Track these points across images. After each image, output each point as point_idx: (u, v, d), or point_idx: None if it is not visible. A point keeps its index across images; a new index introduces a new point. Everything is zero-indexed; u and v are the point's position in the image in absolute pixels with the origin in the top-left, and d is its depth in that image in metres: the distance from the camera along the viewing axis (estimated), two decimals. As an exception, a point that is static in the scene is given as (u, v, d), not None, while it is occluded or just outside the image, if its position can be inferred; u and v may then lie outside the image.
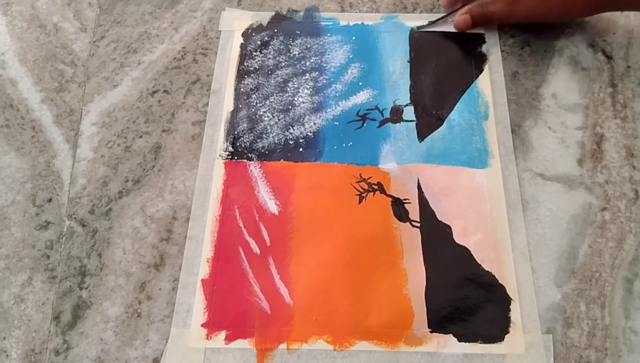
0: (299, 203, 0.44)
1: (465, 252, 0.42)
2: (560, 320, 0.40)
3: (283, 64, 0.51)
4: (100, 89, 0.50)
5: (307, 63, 0.51)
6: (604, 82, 0.49)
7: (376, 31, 0.52)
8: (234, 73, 0.50)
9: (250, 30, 0.53)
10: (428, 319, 0.40)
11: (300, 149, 0.47)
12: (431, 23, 0.52)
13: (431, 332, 0.39)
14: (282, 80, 0.50)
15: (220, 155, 0.47)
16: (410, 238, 0.43)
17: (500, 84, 0.49)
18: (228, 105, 0.49)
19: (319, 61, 0.51)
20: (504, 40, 0.51)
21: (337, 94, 0.49)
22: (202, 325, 0.40)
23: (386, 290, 0.41)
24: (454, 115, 0.48)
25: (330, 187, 0.45)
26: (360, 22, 0.53)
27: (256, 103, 0.49)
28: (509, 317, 0.40)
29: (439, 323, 0.40)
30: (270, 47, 0.52)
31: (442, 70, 0.50)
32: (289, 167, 0.46)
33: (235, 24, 0.53)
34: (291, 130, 0.48)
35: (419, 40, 0.52)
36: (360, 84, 0.50)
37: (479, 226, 0.43)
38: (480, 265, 0.42)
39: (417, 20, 0.52)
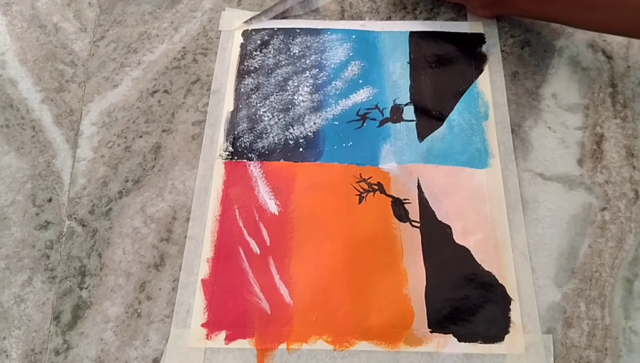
0: (299, 203, 0.44)
1: (465, 252, 0.42)
2: (560, 320, 0.40)
3: (283, 62, 0.51)
4: (100, 89, 0.50)
5: (307, 61, 0.51)
6: (604, 82, 0.49)
7: (376, 31, 0.52)
8: (234, 73, 0.50)
9: (250, 30, 0.53)
10: (428, 319, 0.40)
11: (300, 149, 0.47)
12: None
13: (431, 332, 0.39)
14: (282, 78, 0.50)
15: (220, 155, 0.47)
16: (410, 238, 0.43)
17: (500, 84, 0.49)
18: (228, 105, 0.49)
19: (319, 59, 0.51)
20: (504, 40, 0.51)
21: (337, 92, 0.49)
22: (202, 325, 0.40)
23: (386, 290, 0.41)
24: (454, 115, 0.48)
25: (330, 187, 0.45)
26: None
27: (256, 103, 0.49)
28: (509, 317, 0.40)
29: (439, 323, 0.40)
30: (270, 47, 0.52)
31: (442, 70, 0.50)
32: (289, 167, 0.46)
33: (235, 23, 0.53)
34: (291, 130, 0.48)
35: (418, 41, 0.52)
36: (360, 81, 0.50)
37: (479, 226, 0.43)
38: (480, 265, 0.42)
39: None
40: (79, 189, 0.46)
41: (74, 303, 0.41)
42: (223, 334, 0.40)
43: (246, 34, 0.53)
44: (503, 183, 0.44)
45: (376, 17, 0.53)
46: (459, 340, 0.39)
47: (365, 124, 0.48)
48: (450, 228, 0.43)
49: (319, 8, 0.54)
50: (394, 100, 0.49)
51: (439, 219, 0.43)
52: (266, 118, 0.48)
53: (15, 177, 0.47)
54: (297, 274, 0.42)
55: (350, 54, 0.51)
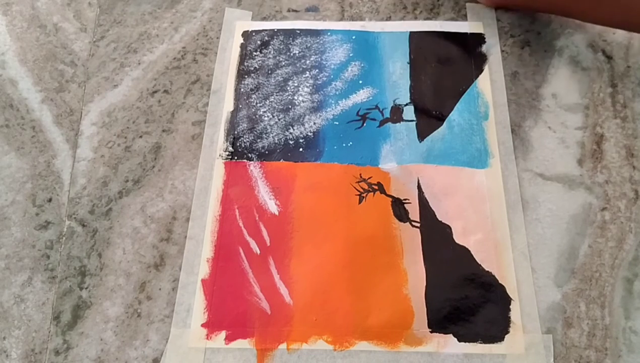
0: (299, 203, 0.44)
1: (465, 252, 0.42)
2: (560, 320, 0.40)
3: (283, 63, 0.51)
4: (100, 89, 0.50)
5: (307, 61, 0.51)
6: (604, 82, 0.49)
7: (376, 32, 0.52)
8: (234, 73, 0.50)
9: (250, 30, 0.53)
10: (428, 319, 0.40)
11: (300, 149, 0.47)
12: None
13: (431, 332, 0.39)
14: (282, 79, 0.50)
15: (220, 155, 0.47)
16: (410, 238, 0.43)
17: (500, 84, 0.49)
18: (228, 105, 0.49)
19: (319, 59, 0.51)
20: (504, 40, 0.51)
21: (337, 92, 0.49)
22: (202, 325, 0.40)
23: (386, 290, 0.41)
24: (454, 115, 0.48)
25: (330, 187, 0.45)
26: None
27: (256, 103, 0.49)
28: (509, 317, 0.40)
29: (439, 323, 0.40)
30: (270, 47, 0.52)
31: (442, 70, 0.50)
32: (289, 167, 0.46)
33: (236, 23, 0.53)
34: (291, 130, 0.48)
35: (418, 41, 0.52)
36: (361, 82, 0.50)
37: (479, 226, 0.43)
38: (480, 265, 0.42)
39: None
40: (79, 189, 0.46)
41: (74, 303, 0.42)
42: (223, 334, 0.40)
43: (246, 34, 0.53)
44: (503, 184, 0.44)
45: (376, 17, 0.53)
46: (459, 340, 0.39)
47: (365, 124, 0.48)
48: (450, 228, 0.43)
49: (318, 7, 0.54)
50: (394, 101, 0.49)
51: (439, 219, 0.43)
52: (266, 118, 0.48)
53: (15, 177, 0.47)
54: (297, 274, 0.42)
55: (350, 55, 0.51)
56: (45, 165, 0.47)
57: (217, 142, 0.47)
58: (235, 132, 0.48)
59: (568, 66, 0.50)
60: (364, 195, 0.45)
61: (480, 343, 0.39)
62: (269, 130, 0.48)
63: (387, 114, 0.48)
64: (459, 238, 0.43)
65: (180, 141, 0.48)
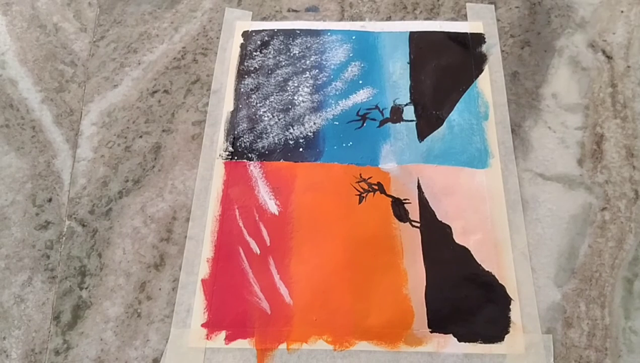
0: (299, 203, 0.44)
1: (465, 252, 0.42)
2: (560, 320, 0.40)
3: (283, 63, 0.51)
4: (100, 89, 0.50)
5: (307, 61, 0.51)
6: (604, 82, 0.49)
7: (376, 32, 0.52)
8: (234, 73, 0.50)
9: (250, 31, 0.53)
10: (428, 319, 0.40)
11: (300, 149, 0.47)
12: None
13: (431, 332, 0.39)
14: (282, 79, 0.50)
15: (220, 155, 0.47)
16: (410, 238, 0.43)
17: (500, 84, 0.49)
18: (228, 105, 0.49)
19: (319, 59, 0.51)
20: (504, 40, 0.51)
21: (337, 93, 0.49)
22: (202, 325, 0.40)
23: (386, 290, 0.41)
24: (454, 115, 0.48)
25: (330, 187, 0.45)
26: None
27: (256, 103, 0.49)
28: (509, 317, 0.40)
29: (439, 323, 0.40)
30: (270, 47, 0.52)
31: (442, 70, 0.50)
32: (289, 167, 0.46)
33: (236, 23, 0.53)
34: (291, 130, 0.48)
35: (418, 41, 0.52)
36: (361, 82, 0.50)
37: (479, 226, 0.43)
38: (480, 265, 0.42)
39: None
40: (79, 189, 0.46)
41: (74, 303, 0.42)
42: (223, 334, 0.40)
43: (246, 35, 0.53)
44: (503, 184, 0.44)
45: (376, 17, 0.53)
46: (459, 340, 0.39)
47: (365, 124, 0.48)
48: (450, 228, 0.43)
49: (318, 7, 0.54)
50: (394, 101, 0.49)
51: (439, 219, 0.43)
52: (266, 118, 0.48)
53: (15, 177, 0.47)
54: (297, 274, 0.42)
55: (350, 55, 0.51)
56: (45, 165, 0.47)
57: (217, 142, 0.47)
58: (235, 132, 0.48)
59: (568, 66, 0.50)
60: (364, 195, 0.45)
61: (480, 343, 0.39)
62: (269, 130, 0.48)
63: (387, 114, 0.48)
64: (459, 238, 0.43)
65: (180, 141, 0.48)
